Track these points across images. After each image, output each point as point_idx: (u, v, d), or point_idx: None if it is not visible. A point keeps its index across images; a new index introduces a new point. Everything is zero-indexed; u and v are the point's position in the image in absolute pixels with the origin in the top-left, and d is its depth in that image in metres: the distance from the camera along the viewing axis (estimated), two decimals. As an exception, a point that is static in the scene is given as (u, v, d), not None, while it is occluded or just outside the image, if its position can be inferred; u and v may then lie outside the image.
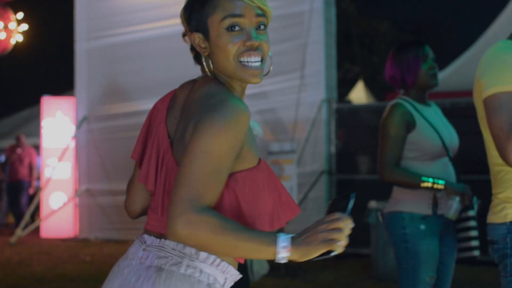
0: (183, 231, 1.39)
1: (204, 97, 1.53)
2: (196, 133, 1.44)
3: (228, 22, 1.54)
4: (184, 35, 1.64)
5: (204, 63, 1.60)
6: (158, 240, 1.57)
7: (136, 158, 1.69)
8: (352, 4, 20.77)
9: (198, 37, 1.58)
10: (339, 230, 1.44)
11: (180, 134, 1.55)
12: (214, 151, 1.42)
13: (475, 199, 2.95)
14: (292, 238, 1.43)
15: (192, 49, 1.64)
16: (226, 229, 1.39)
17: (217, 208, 1.47)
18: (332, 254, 1.46)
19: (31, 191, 11.00)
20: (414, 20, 26.65)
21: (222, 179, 1.45)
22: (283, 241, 1.41)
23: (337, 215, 1.45)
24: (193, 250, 1.52)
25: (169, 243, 1.54)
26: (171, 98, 1.67)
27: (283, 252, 1.41)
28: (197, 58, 1.64)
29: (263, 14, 1.58)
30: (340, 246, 1.45)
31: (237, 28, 1.54)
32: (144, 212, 1.74)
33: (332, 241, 1.43)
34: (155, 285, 1.50)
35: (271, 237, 1.41)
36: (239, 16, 1.54)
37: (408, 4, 27.33)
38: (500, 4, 11.53)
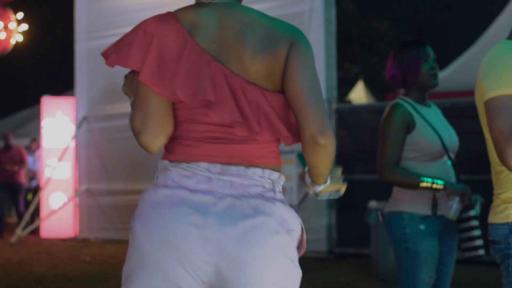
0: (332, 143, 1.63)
1: (275, 22, 1.68)
2: (303, 58, 1.63)
3: None
4: None
5: None
6: (238, 167, 1.62)
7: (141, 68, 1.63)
8: (352, 4, 20.79)
9: None
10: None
11: (248, 57, 1.62)
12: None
13: (478, 198, 2.94)
14: None
15: None
16: None
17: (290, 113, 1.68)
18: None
19: (11, 168, 10.69)
20: (414, 20, 26.67)
21: None
22: None
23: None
24: (277, 175, 1.67)
25: (255, 171, 1.63)
26: (177, 20, 1.67)
27: None
28: None
29: None
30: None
31: None
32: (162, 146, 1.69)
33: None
34: (277, 207, 1.62)
35: None
36: None
37: (408, 4, 27.34)
38: (500, 4, 11.54)
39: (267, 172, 1.65)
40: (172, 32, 1.64)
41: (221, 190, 1.59)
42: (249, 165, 1.63)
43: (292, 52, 1.63)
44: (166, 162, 1.67)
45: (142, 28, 1.67)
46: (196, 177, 1.61)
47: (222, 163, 1.62)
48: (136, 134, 1.66)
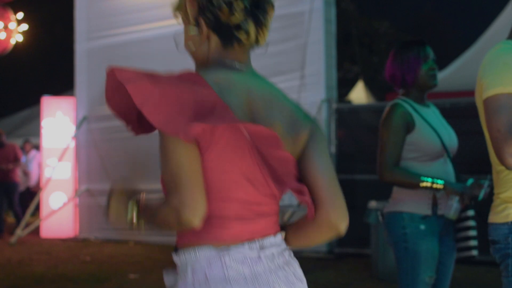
0: None
1: (295, 105, 1.71)
2: (321, 147, 1.69)
3: None
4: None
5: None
6: (269, 238, 1.67)
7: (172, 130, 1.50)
8: (352, 4, 20.81)
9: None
10: None
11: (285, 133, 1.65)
12: None
13: (487, 181, 2.91)
14: None
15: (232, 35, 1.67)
16: None
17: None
18: None
19: (5, 167, 10.64)
20: (414, 20, 26.68)
21: None
22: None
23: None
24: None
25: (279, 237, 1.70)
26: (205, 81, 1.59)
27: None
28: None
29: None
30: None
31: None
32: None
33: None
34: (299, 266, 1.72)
35: None
36: None
37: (408, 4, 27.35)
38: (500, 4, 11.54)
39: (283, 234, 1.74)
40: (204, 92, 1.55)
41: (272, 265, 1.65)
42: (275, 233, 1.69)
43: (311, 141, 1.68)
44: (209, 249, 1.61)
45: (167, 85, 1.55)
46: (247, 260, 1.63)
47: (258, 239, 1.65)
48: (175, 213, 1.53)
